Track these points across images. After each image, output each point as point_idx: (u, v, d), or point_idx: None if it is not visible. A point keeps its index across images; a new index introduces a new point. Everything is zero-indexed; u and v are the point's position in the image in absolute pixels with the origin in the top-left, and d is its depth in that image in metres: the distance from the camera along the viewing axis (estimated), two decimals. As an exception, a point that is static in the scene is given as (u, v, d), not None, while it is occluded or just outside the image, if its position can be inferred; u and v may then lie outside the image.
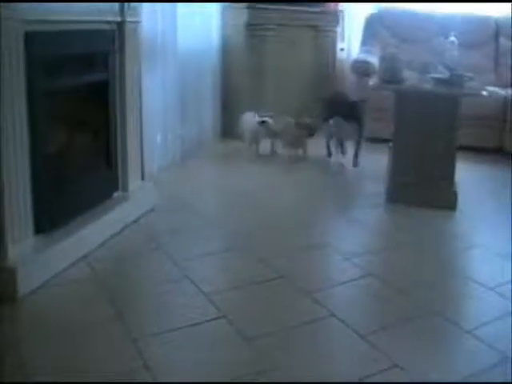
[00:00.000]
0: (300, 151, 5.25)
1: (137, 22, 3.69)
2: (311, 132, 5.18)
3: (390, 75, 4.09)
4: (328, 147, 5.33)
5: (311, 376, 2.22)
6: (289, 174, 4.89)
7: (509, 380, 2.20)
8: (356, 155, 5.13)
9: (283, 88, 6.03)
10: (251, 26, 5.74)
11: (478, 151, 5.44)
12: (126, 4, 3.47)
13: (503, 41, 6.24)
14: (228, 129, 5.96)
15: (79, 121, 3.40)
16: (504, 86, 5.75)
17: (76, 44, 3.16)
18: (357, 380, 2.19)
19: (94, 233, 3.23)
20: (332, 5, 6.54)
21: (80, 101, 3.36)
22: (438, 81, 4.02)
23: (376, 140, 5.45)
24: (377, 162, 5.01)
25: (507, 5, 6.22)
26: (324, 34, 6.35)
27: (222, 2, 5.78)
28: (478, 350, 2.41)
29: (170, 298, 2.79)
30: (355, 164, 5.11)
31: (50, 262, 2.87)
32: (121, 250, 3.29)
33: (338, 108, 5.14)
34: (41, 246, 2.89)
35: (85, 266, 3.04)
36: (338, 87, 6.30)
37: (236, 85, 5.92)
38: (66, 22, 3.00)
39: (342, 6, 6.72)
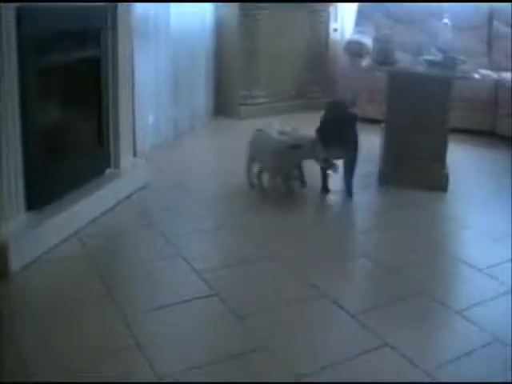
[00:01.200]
0: None
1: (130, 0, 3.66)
2: None
3: (383, 56, 4.09)
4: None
5: (302, 354, 2.24)
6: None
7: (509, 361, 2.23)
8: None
9: (276, 69, 6.01)
10: (244, 6, 5.70)
11: (470, 134, 5.44)
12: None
13: (496, 24, 6.23)
14: (221, 110, 5.95)
15: (71, 98, 3.38)
16: (496, 70, 5.76)
17: (68, 20, 3.14)
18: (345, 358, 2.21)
19: (85, 209, 3.23)
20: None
21: (72, 78, 3.34)
22: (431, 63, 4.01)
23: (368, 121, 5.44)
24: (369, 143, 5.01)
25: None
26: (317, 14, 6.31)
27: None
28: (467, 330, 2.43)
29: (162, 275, 2.79)
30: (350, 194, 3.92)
31: (41, 239, 2.87)
32: (112, 226, 3.29)
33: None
34: (33, 222, 2.88)
35: (76, 242, 3.04)
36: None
37: (229, 65, 5.89)
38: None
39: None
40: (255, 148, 3.88)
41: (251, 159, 3.92)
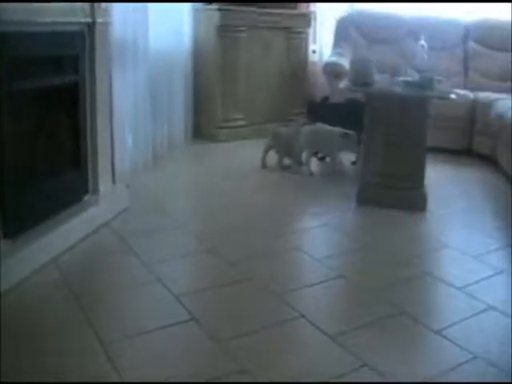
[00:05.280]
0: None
1: (107, 23, 3.67)
2: None
3: (361, 78, 4.12)
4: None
5: (282, 378, 2.23)
6: (263, 177, 4.89)
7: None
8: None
9: (255, 91, 6.05)
10: (223, 28, 5.74)
11: (447, 153, 5.50)
12: (96, 4, 3.45)
13: (472, 44, 6.32)
14: (199, 133, 5.97)
15: (48, 124, 3.37)
16: (473, 89, 5.82)
17: (46, 45, 3.13)
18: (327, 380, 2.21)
19: (63, 236, 3.20)
20: (304, 6, 6.59)
21: (50, 102, 3.33)
22: (408, 84, 4.05)
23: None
24: (347, 164, 5.06)
25: (477, 10, 6.33)
26: (296, 35, 6.37)
27: (195, 1, 5.79)
28: (446, 349, 2.44)
29: (140, 301, 2.78)
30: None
31: (18, 266, 2.84)
32: (91, 253, 3.27)
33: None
34: (9, 250, 2.84)
35: (54, 269, 3.01)
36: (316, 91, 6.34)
37: (208, 87, 5.92)
38: (35, 23, 2.96)
39: (313, 6, 6.77)
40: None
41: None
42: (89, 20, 3.46)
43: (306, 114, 5.47)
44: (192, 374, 2.24)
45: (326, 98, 5.39)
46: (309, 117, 5.32)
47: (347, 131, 4.67)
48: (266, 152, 5.02)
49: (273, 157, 5.01)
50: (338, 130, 4.74)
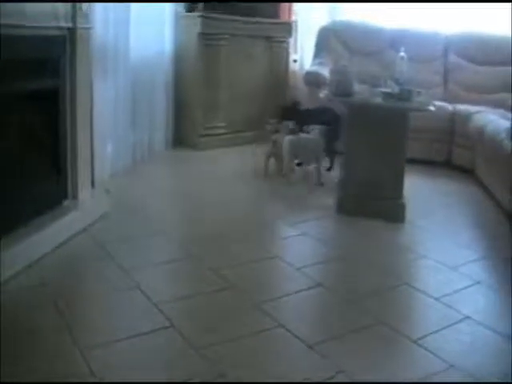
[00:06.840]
0: None
1: (88, 29, 3.66)
2: None
3: (341, 88, 4.14)
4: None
5: (259, 385, 2.24)
6: (245, 184, 4.88)
7: None
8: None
9: (236, 99, 6.05)
10: (204, 36, 5.74)
11: (426, 164, 5.54)
12: (77, 8, 3.44)
13: (452, 57, 6.37)
14: (179, 140, 5.96)
15: (29, 127, 3.35)
16: (452, 101, 5.87)
17: (26, 49, 3.11)
18: (304, 389, 2.21)
19: (42, 241, 3.18)
20: (285, 15, 6.63)
21: (30, 107, 3.31)
22: (388, 95, 4.07)
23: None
24: (328, 175, 5.08)
25: (457, 22, 6.40)
26: (277, 44, 6.40)
27: (177, 1, 5.80)
28: (423, 358, 2.45)
29: (119, 307, 2.77)
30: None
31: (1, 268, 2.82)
32: (70, 258, 3.25)
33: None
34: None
35: (32, 274, 2.99)
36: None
37: (189, 94, 5.91)
38: (16, 26, 2.95)
39: (295, 15, 6.82)
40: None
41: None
42: (70, 25, 3.45)
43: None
44: (169, 380, 2.23)
45: (297, 103, 5.46)
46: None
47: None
48: (267, 160, 5.02)
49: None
50: (318, 137, 4.78)
